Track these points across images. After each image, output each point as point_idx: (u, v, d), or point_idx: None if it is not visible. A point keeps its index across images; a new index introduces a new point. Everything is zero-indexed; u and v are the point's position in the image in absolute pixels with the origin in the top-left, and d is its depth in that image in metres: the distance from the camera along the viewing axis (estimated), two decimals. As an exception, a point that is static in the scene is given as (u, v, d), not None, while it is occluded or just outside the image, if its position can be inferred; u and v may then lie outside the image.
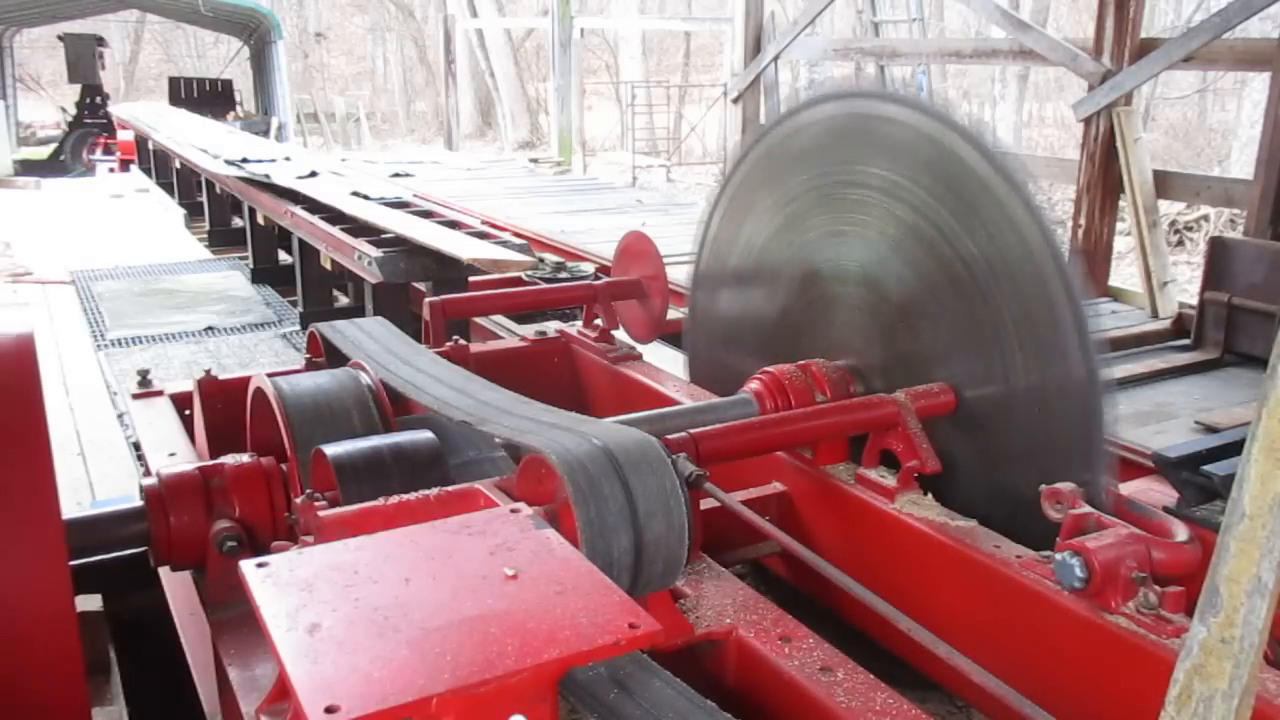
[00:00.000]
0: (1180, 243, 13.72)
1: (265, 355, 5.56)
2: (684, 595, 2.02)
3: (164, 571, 2.51)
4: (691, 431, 2.27)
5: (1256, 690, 1.05)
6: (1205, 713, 1.04)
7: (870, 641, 2.23)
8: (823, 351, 2.76)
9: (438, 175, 13.88)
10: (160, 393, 3.36)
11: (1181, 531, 1.94)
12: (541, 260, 6.80)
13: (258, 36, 22.33)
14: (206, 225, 9.39)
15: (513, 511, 1.58)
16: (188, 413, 3.21)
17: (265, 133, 17.86)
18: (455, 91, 21.06)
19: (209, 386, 3.10)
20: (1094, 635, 1.85)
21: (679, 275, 3.53)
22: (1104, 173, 7.18)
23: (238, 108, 21.42)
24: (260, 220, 7.30)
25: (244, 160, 7.86)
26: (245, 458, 2.42)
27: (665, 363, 3.66)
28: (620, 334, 3.67)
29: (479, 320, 4.98)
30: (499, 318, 5.12)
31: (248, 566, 1.36)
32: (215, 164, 8.15)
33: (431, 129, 30.86)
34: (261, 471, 2.39)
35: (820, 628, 1.94)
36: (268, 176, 6.96)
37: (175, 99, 20.32)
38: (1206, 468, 2.33)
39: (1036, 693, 1.52)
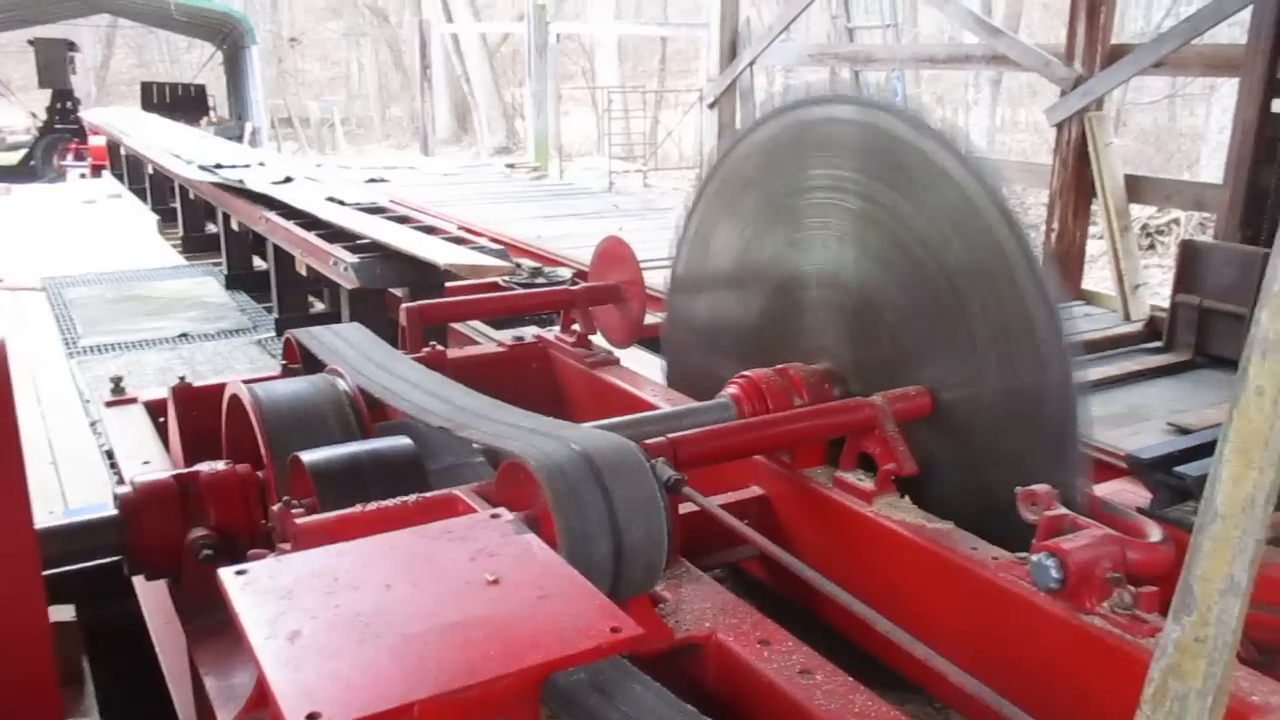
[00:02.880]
0: (1152, 246, 13.85)
1: (240, 362, 5.52)
2: (663, 600, 2.02)
3: (138, 580, 2.49)
4: (670, 436, 2.27)
5: (1230, 689, 1.07)
6: (1180, 711, 1.05)
7: (850, 644, 2.24)
8: (800, 355, 2.77)
9: (413, 180, 13.83)
10: (134, 400, 3.33)
11: (1156, 532, 1.96)
12: (518, 265, 6.79)
13: (231, 41, 22.20)
14: (180, 231, 9.33)
15: (493, 517, 1.58)
16: (162, 420, 3.18)
17: (239, 138, 17.76)
18: (431, 97, 21.00)
19: (184, 394, 3.08)
20: (1070, 636, 1.87)
21: (656, 280, 3.53)
22: (1077, 177, 7.25)
23: (211, 113, 21.30)
24: (235, 226, 7.26)
25: (218, 166, 7.82)
26: (221, 465, 2.41)
27: (643, 367, 3.66)
28: (598, 339, 3.67)
29: (456, 326, 4.96)
30: (476, 323, 5.11)
31: (227, 574, 1.35)
32: (189, 169, 8.10)
33: (407, 134, 30.75)
34: (238, 479, 2.38)
35: (800, 631, 1.95)
36: (241, 182, 6.93)
37: (148, 104, 20.18)
38: (1179, 469, 2.35)
39: (1014, 693, 1.53)
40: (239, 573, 1.35)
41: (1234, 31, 6.87)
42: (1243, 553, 1.01)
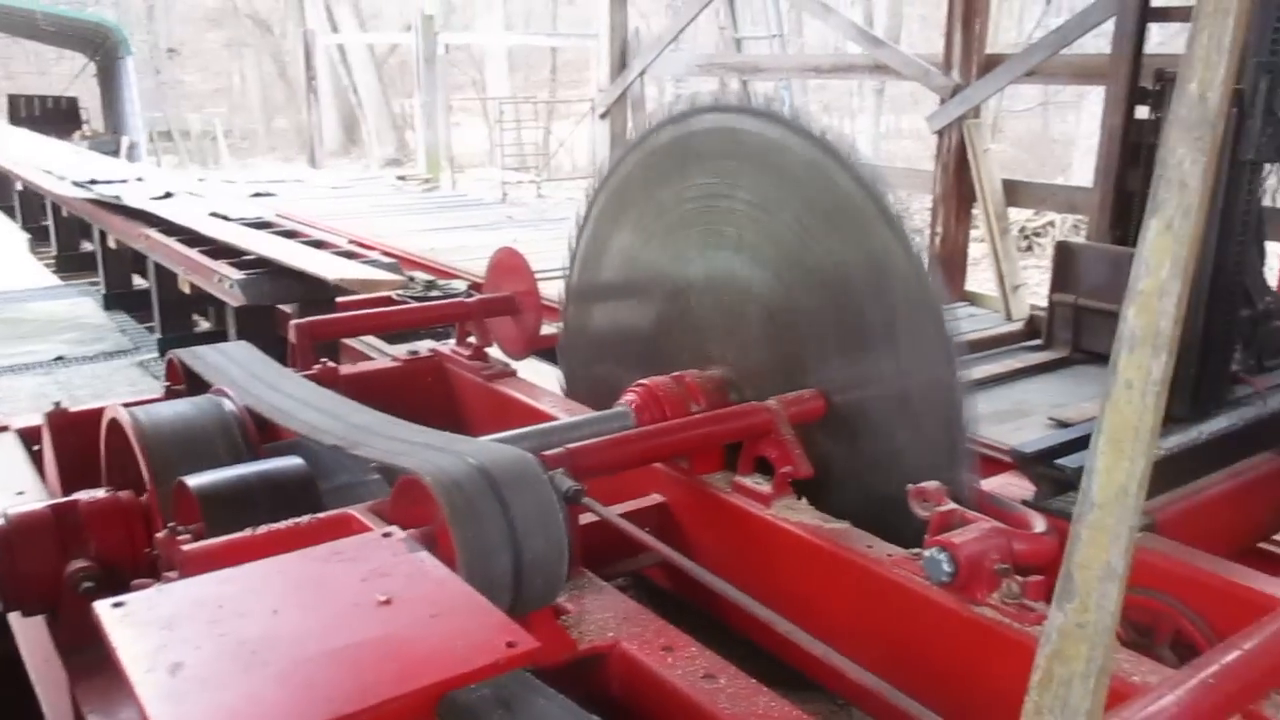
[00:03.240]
0: (1030, 248, 14.41)
1: (121, 385, 5.31)
2: (566, 611, 2.01)
3: (14, 618, 2.37)
4: (568, 446, 2.26)
5: (1111, 670, 1.10)
6: (1065, 694, 1.08)
7: (753, 646, 2.26)
8: (697, 362, 2.79)
9: (301, 194, 13.51)
10: (6, 428, 3.18)
11: (1040, 523, 2.02)
12: (412, 279, 6.69)
13: (105, 52, 21.38)
14: (53, 250, 8.95)
15: (385, 536, 1.54)
16: (37, 448, 3.04)
17: (115, 152, 17.11)
18: (318, 108, 20.60)
19: (59, 420, 2.95)
20: (963, 627, 1.92)
21: (552, 290, 3.52)
22: (958, 182, 7.49)
23: (85, 126, 20.47)
24: (112, 244, 6.99)
25: (92, 181, 7.52)
26: (101, 493, 2.31)
27: (541, 378, 3.64)
28: (494, 351, 3.64)
29: (348, 341, 4.86)
30: (370, 338, 5.01)
31: (102, 607, 1.29)
32: (61, 185, 7.77)
33: (294, 147, 30.02)
34: (119, 507, 2.28)
35: (703, 636, 1.95)
36: (118, 198, 6.68)
37: (15, 118, 19.32)
38: (1059, 461, 2.44)
39: (911, 685, 1.56)
40: (116, 605, 1.29)
41: (1099, 42, 7.19)
42: (1118, 540, 1.04)
